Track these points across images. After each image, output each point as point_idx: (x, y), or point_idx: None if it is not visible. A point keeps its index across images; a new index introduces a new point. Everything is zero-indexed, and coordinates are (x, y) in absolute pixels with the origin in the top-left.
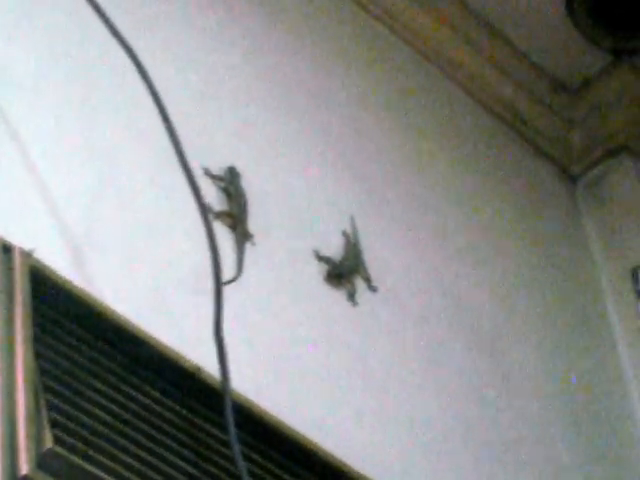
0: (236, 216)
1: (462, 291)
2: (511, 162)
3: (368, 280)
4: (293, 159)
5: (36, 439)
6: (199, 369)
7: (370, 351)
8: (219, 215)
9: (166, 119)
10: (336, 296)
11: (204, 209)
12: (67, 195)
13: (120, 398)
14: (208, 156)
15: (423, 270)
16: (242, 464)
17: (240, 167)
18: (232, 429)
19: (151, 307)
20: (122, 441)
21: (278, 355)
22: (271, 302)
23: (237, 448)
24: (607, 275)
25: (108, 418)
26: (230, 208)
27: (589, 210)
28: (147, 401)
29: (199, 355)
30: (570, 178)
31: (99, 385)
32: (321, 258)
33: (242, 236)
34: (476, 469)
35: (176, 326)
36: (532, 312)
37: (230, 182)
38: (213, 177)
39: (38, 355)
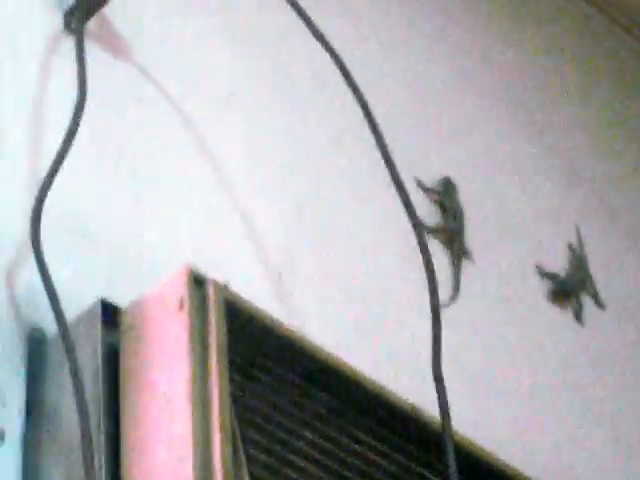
0: (452, 231)
1: None
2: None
3: (595, 296)
4: (509, 167)
5: None
6: (413, 407)
7: (600, 377)
8: (434, 231)
9: (374, 127)
10: (562, 315)
11: (418, 225)
12: (264, 219)
13: (328, 446)
14: (419, 167)
15: None
16: None
17: (454, 178)
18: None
19: (358, 339)
20: None
21: (501, 387)
22: (491, 324)
23: None
24: None
25: (317, 471)
26: (445, 223)
27: None
28: (359, 448)
29: (412, 391)
30: None
31: (304, 432)
32: (545, 274)
33: (459, 253)
34: None
35: (388, 360)
36: None
37: (445, 194)
38: (426, 190)
39: (235, 400)
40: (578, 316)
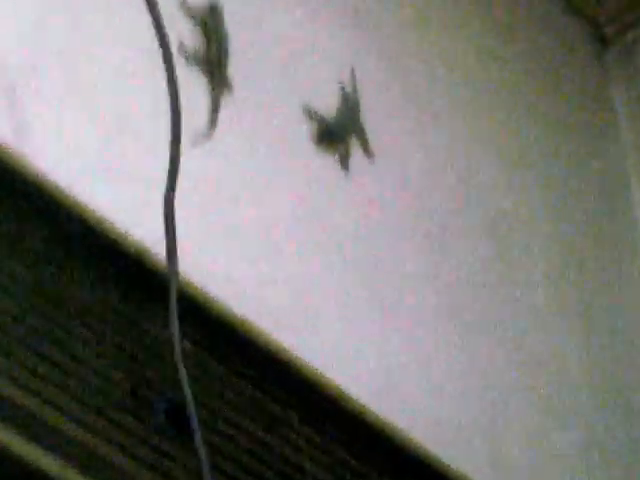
0: (214, 61)
1: (470, 165)
2: (538, 17)
3: (365, 144)
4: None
5: None
6: (143, 251)
7: (362, 227)
8: (193, 58)
9: None
10: (326, 161)
11: (166, 47)
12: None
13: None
14: None
15: (429, 136)
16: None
17: (222, 5)
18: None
19: (96, 166)
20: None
21: (253, 233)
22: (248, 167)
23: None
24: (634, 151)
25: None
26: (207, 51)
27: (619, 78)
28: (74, 287)
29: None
30: (603, 40)
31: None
32: (312, 116)
33: (220, 85)
34: (471, 362)
35: (123, 193)
36: (547, 189)
37: (210, 20)
38: (189, 13)
39: None
40: (344, 163)
